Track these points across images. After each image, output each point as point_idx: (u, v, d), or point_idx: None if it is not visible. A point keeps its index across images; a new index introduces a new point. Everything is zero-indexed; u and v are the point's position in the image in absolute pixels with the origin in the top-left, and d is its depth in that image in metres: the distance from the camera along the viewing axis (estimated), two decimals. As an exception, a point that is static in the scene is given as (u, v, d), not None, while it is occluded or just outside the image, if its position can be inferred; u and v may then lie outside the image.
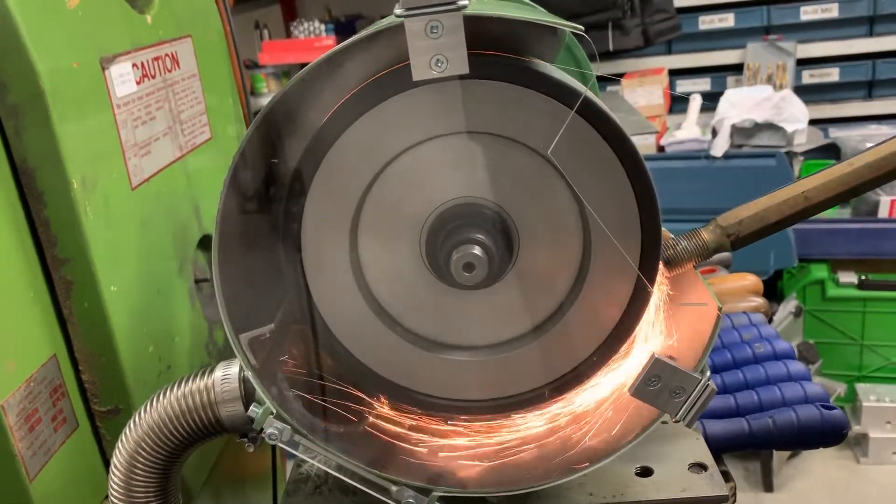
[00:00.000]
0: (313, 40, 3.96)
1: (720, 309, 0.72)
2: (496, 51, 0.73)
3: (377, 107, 0.75)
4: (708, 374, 0.73)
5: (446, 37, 0.65)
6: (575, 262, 0.78)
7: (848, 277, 3.29)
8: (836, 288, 3.29)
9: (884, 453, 3.06)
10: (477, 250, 0.72)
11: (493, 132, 0.75)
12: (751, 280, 1.24)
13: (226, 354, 1.35)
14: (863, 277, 3.26)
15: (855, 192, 0.79)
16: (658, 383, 0.73)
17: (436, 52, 0.66)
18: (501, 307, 0.79)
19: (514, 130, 0.74)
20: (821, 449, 3.10)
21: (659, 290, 0.77)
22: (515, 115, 0.73)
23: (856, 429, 3.10)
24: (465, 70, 0.67)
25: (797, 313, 3.19)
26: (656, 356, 0.73)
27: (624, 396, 0.79)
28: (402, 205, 0.77)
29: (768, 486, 2.98)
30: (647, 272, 0.74)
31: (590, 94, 0.70)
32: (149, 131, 1.17)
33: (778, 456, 3.00)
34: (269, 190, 0.79)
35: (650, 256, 0.75)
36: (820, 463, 3.12)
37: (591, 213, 0.73)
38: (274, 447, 1.62)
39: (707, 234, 0.80)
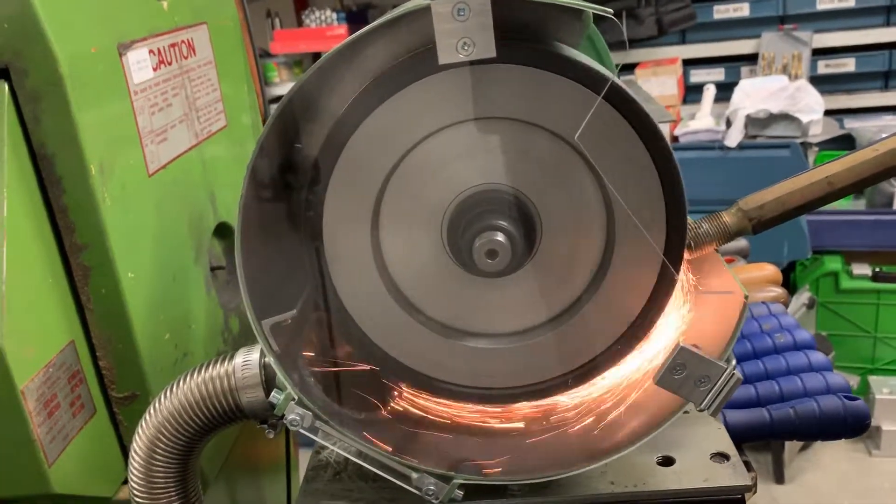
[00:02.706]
0: (325, 29, 3.94)
1: (746, 297, 0.71)
2: (520, 35, 0.72)
3: (398, 93, 0.74)
4: (734, 362, 0.72)
5: (473, 19, 0.64)
6: (598, 249, 0.77)
7: (862, 269, 3.27)
8: (850, 280, 3.27)
9: (896, 446, 3.05)
10: (500, 237, 0.72)
11: (515, 118, 0.74)
12: (769, 270, 1.23)
13: (240, 342, 1.35)
14: (877, 269, 3.24)
15: (878, 178, 0.78)
16: (683, 372, 0.72)
17: (463, 34, 0.65)
18: (523, 294, 0.78)
19: (538, 116, 0.73)
20: (832, 442, 3.08)
21: (683, 277, 0.77)
22: (540, 100, 0.72)
23: (868, 421, 3.08)
24: (493, 53, 0.66)
25: (810, 305, 3.17)
26: (682, 345, 0.72)
27: (647, 385, 0.79)
28: (424, 192, 0.77)
29: (779, 479, 2.97)
30: (672, 259, 0.74)
31: (617, 80, 0.70)
32: (165, 118, 1.17)
33: (789, 448, 2.99)
34: (290, 178, 0.79)
35: (675, 243, 0.74)
36: (831, 455, 3.11)
37: (616, 197, 0.72)
38: (288, 437, 1.63)
39: (728, 217, 0.79)
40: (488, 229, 0.72)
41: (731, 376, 0.71)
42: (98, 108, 0.99)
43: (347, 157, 0.76)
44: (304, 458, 1.73)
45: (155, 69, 1.14)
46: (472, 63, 0.68)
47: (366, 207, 0.77)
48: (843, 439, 0.89)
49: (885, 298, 3.23)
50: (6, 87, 0.91)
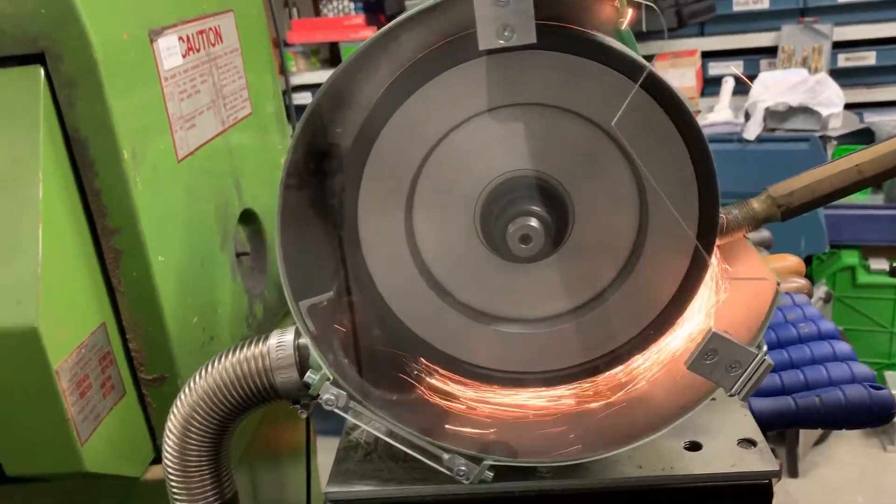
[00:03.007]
0: (342, 19, 3.94)
1: (778, 284, 0.72)
2: (554, 21, 0.72)
3: (432, 80, 0.75)
4: (765, 348, 0.73)
5: (514, 5, 0.65)
6: (630, 235, 0.78)
7: (879, 264, 3.24)
8: (867, 275, 3.25)
9: (912, 442, 3.04)
10: (534, 222, 0.72)
11: (550, 104, 0.74)
12: (793, 261, 1.23)
13: (265, 328, 1.36)
14: (894, 265, 3.22)
15: None
16: (714, 357, 0.73)
17: (503, 20, 0.65)
18: (555, 280, 0.79)
19: (572, 102, 0.74)
20: (846, 436, 3.04)
21: (715, 263, 0.77)
22: (574, 86, 0.73)
23: (883, 417, 3.07)
24: (533, 39, 0.67)
25: (827, 299, 3.16)
26: (713, 330, 0.73)
27: (676, 370, 0.79)
28: (458, 178, 0.77)
29: (793, 472, 2.97)
30: (705, 245, 0.74)
31: (654, 69, 0.70)
32: (193, 105, 1.18)
33: (803, 442, 2.99)
34: (325, 165, 0.80)
35: (707, 230, 0.75)
36: (846, 450, 3.10)
37: (649, 180, 0.72)
38: (308, 424, 1.65)
39: (758, 204, 0.79)
40: (522, 215, 0.73)
41: (763, 362, 0.72)
42: (130, 93, 1.00)
43: (382, 144, 0.77)
44: (322, 446, 1.75)
45: (184, 56, 1.15)
46: (511, 49, 0.68)
47: (400, 193, 0.78)
48: (869, 428, 0.89)
49: (902, 294, 3.21)
50: (42, 73, 0.93)
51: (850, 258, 3.27)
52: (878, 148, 0.78)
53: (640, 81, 0.69)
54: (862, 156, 0.78)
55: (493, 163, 0.77)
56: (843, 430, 3.16)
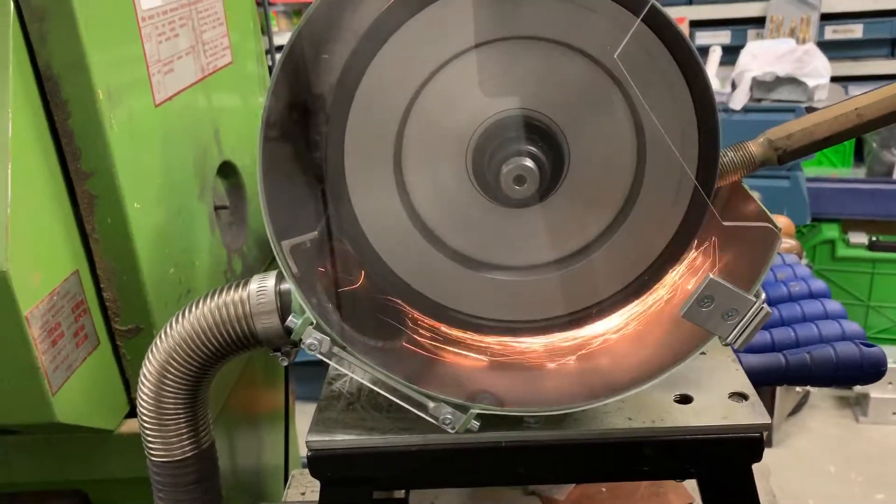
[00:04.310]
0: (326, -21, 3.86)
1: (779, 230, 0.70)
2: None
3: (414, 17, 0.71)
4: (763, 296, 0.71)
5: None
6: (627, 179, 0.75)
7: (858, 238, 3.27)
8: (847, 248, 3.28)
9: (884, 413, 3.07)
10: (528, 162, 0.70)
11: (546, 37, 0.71)
12: (783, 222, 1.22)
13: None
14: (873, 238, 3.24)
15: None
16: (711, 304, 0.71)
17: None
18: (550, 226, 0.77)
19: (570, 35, 0.70)
20: (820, 407, 3.07)
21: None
22: (573, 18, 0.70)
23: (856, 388, 3.11)
24: None
25: (806, 270, 3.18)
26: (711, 276, 0.71)
27: (668, 319, 0.77)
28: (448, 120, 0.74)
29: (768, 442, 3.01)
30: (705, 187, 0.72)
31: (657, 3, 0.67)
32: (172, 48, 1.14)
33: (778, 412, 3.02)
34: (309, 104, 0.76)
35: (707, 174, 0.73)
36: (819, 421, 3.15)
37: (650, 116, 0.70)
38: (287, 386, 1.63)
39: (755, 147, 0.78)
40: (516, 154, 0.70)
41: (760, 310, 0.70)
42: (106, 31, 0.96)
43: (368, 84, 0.73)
44: (301, 411, 1.73)
45: (162, -4, 1.11)
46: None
47: (387, 136, 0.75)
48: (860, 385, 0.89)
49: (880, 268, 3.24)
50: (11, 5, 0.88)
51: (831, 231, 3.29)
52: (878, 92, 0.76)
53: (641, 15, 0.66)
54: (861, 100, 0.76)
55: (484, 102, 0.74)
56: (818, 402, 3.21)
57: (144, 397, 0.83)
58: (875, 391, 3.07)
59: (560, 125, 0.73)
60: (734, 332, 0.71)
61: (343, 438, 0.81)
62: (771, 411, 2.98)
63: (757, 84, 3.04)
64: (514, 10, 0.70)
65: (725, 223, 0.73)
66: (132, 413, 1.07)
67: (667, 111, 0.72)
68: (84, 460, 1.12)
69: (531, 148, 0.71)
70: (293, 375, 1.71)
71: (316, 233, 0.75)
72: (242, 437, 1.46)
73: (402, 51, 0.72)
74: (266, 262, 1.44)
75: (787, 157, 0.77)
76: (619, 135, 0.74)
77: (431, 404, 0.76)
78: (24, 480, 1.15)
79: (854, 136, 0.77)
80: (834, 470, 2.89)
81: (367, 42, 0.72)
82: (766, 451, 0.81)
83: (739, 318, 0.71)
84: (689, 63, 0.70)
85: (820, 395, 3.22)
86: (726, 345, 0.72)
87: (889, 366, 0.94)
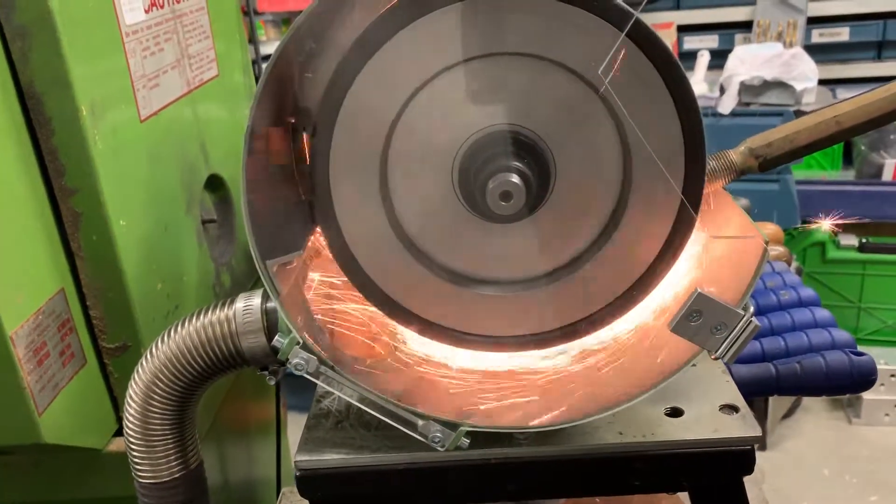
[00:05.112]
0: (313, -12, 3.86)
1: (767, 242, 0.69)
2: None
3: (405, 29, 0.71)
4: (751, 310, 0.71)
5: None
6: (614, 193, 0.75)
7: (848, 240, 3.28)
8: (837, 250, 3.28)
9: (876, 415, 3.08)
10: (515, 178, 0.69)
11: (530, 53, 0.71)
12: (771, 229, 1.22)
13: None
14: (863, 240, 3.25)
15: (887, 119, 0.77)
16: (699, 318, 0.71)
17: None
18: (535, 242, 0.76)
19: (554, 51, 0.70)
20: (814, 410, 3.08)
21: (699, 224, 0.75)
22: (556, 34, 0.69)
23: (849, 391, 3.11)
24: None
25: (797, 274, 3.19)
26: (699, 290, 0.70)
27: (658, 334, 0.77)
28: (434, 135, 0.74)
29: (762, 445, 3.01)
30: (691, 201, 0.72)
31: (640, 17, 0.67)
32: (157, 63, 1.13)
33: (772, 415, 3.02)
34: (296, 121, 0.76)
35: (693, 187, 0.72)
36: (812, 423, 3.15)
37: (634, 131, 0.70)
38: (278, 398, 1.61)
39: (735, 155, 0.78)
40: (502, 170, 0.70)
41: (749, 324, 0.70)
42: (88, 47, 0.95)
43: (354, 98, 0.73)
44: (293, 421, 1.72)
45: (147, 11, 1.10)
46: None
47: (373, 150, 0.74)
48: (850, 394, 0.89)
49: (870, 269, 3.25)
50: (-8, 23, 0.88)
51: (821, 233, 3.30)
52: (857, 100, 0.77)
53: (626, 29, 0.66)
54: (840, 107, 0.77)
55: (472, 116, 0.73)
56: (811, 405, 3.22)
57: (131, 419, 0.82)
58: (868, 392, 3.08)
59: (546, 140, 0.73)
60: (723, 346, 0.71)
61: (332, 458, 0.80)
62: (765, 415, 2.98)
63: (745, 88, 3.05)
64: (500, 25, 0.70)
65: (712, 236, 0.73)
66: (120, 431, 1.07)
67: (652, 125, 0.72)
68: (73, 479, 1.11)
69: (517, 163, 0.70)
70: (285, 387, 1.70)
71: (301, 251, 0.74)
72: (233, 452, 1.45)
73: (389, 65, 0.72)
74: (254, 276, 1.43)
75: (768, 164, 0.77)
76: (605, 149, 0.74)
77: (420, 422, 0.75)
78: (12, 500, 1.14)
79: (835, 143, 0.78)
80: (828, 472, 2.90)
81: (353, 55, 0.72)
82: (761, 455, 0.80)
83: (728, 332, 0.71)
84: (673, 77, 0.70)
85: (813, 398, 3.22)
86: (716, 359, 0.72)
87: (880, 367, 0.94)
